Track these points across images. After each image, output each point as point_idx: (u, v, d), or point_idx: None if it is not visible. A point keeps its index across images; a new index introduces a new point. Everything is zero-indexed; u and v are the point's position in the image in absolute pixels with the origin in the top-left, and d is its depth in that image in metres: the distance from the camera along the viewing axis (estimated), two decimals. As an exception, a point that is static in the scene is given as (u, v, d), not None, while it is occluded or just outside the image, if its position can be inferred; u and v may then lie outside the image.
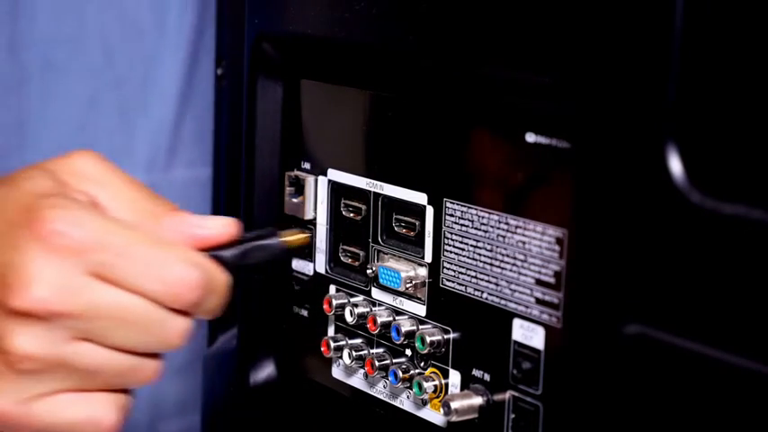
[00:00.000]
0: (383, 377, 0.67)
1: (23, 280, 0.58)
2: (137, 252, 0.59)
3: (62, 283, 0.58)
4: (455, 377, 0.63)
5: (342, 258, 0.70)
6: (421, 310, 0.65)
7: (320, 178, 0.71)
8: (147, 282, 0.59)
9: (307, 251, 0.71)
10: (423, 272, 0.64)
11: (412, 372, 0.65)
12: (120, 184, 0.64)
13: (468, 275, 0.62)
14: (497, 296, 0.60)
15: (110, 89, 0.99)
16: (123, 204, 0.63)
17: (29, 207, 0.59)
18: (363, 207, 0.68)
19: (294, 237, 0.67)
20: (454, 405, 0.61)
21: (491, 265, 0.60)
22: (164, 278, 0.59)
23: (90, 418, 0.61)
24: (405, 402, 0.66)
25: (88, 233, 0.59)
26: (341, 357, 0.69)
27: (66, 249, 0.58)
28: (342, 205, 0.70)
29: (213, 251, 0.63)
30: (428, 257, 0.64)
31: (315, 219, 0.71)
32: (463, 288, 0.62)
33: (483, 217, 0.61)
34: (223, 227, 0.64)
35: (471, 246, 0.61)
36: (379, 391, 0.68)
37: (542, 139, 0.57)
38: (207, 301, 0.61)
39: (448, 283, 0.63)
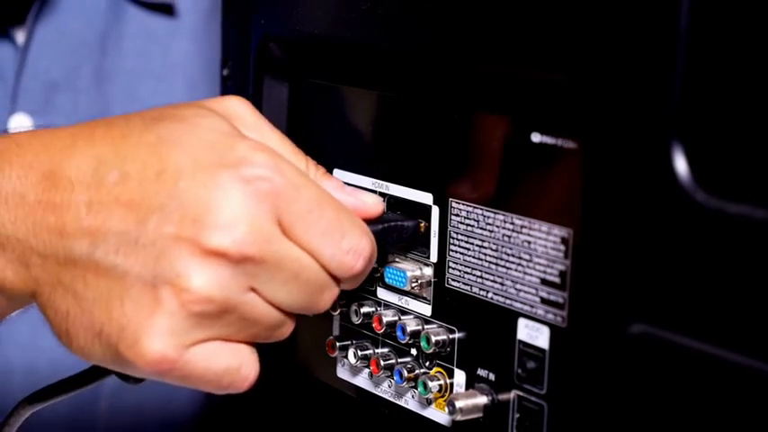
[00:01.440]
0: (388, 377, 0.67)
1: (225, 219, 0.56)
2: (325, 211, 0.58)
3: (258, 228, 0.57)
4: (460, 377, 0.63)
5: (347, 258, 0.70)
6: (426, 309, 0.65)
7: (326, 178, 0.71)
8: (325, 244, 0.58)
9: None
10: (428, 271, 0.65)
11: (417, 371, 0.65)
12: (272, 135, 0.62)
13: (474, 275, 0.62)
14: (502, 296, 0.60)
15: None
16: None
17: (225, 146, 0.58)
18: (369, 207, 0.68)
19: (423, 222, 0.65)
20: (459, 404, 0.61)
21: (496, 264, 0.60)
22: (341, 245, 0.59)
23: (239, 368, 0.59)
24: (410, 402, 0.66)
25: (288, 181, 0.58)
26: (346, 357, 0.69)
27: (267, 195, 0.57)
28: (347, 205, 0.70)
29: None
30: (433, 257, 0.64)
31: (320, 219, 0.72)
32: (468, 288, 0.62)
33: (488, 217, 0.61)
34: (377, 203, 0.64)
35: (476, 245, 0.61)
36: (384, 390, 0.68)
37: (548, 139, 0.57)
38: (364, 274, 0.60)
39: (453, 283, 0.63)
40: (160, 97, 0.99)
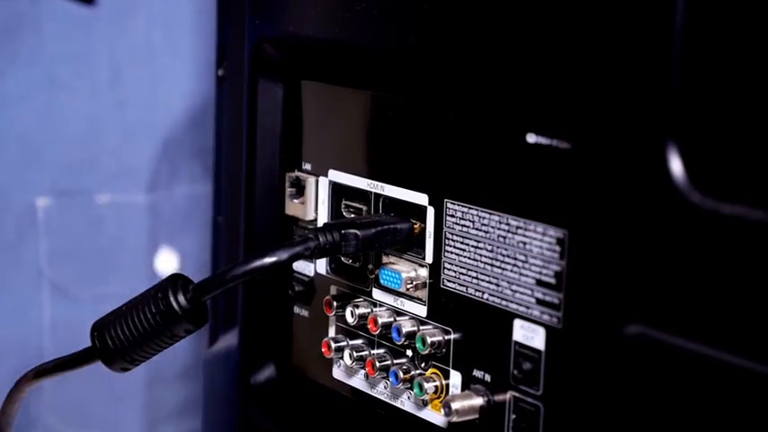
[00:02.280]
0: (384, 378, 0.67)
1: None
2: None
3: None
4: (456, 378, 0.63)
5: (342, 259, 0.70)
6: (422, 310, 0.65)
7: (321, 179, 0.71)
8: None
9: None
10: (423, 272, 0.64)
11: (413, 372, 0.65)
12: None
13: (469, 276, 0.62)
14: (498, 297, 0.60)
15: (114, 108, 0.99)
16: None
17: None
18: (364, 208, 0.68)
19: (417, 224, 0.65)
20: (455, 406, 0.61)
21: (492, 265, 0.60)
22: None
23: None
24: (405, 403, 0.66)
25: None
26: (342, 358, 0.69)
27: None
28: (343, 206, 0.70)
29: (347, 228, 0.62)
30: (429, 258, 0.64)
31: (316, 220, 0.71)
32: (464, 289, 0.62)
33: (484, 217, 0.61)
34: None
35: (472, 246, 0.61)
36: (380, 391, 0.68)
37: (543, 140, 0.57)
38: None
39: (449, 284, 0.63)
40: (82, 81, 0.99)
